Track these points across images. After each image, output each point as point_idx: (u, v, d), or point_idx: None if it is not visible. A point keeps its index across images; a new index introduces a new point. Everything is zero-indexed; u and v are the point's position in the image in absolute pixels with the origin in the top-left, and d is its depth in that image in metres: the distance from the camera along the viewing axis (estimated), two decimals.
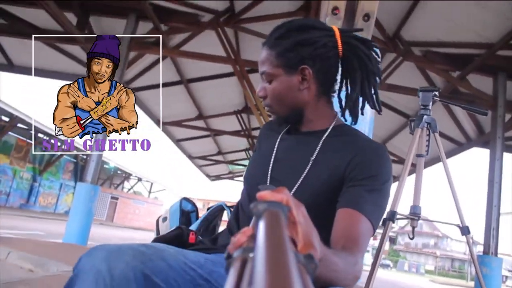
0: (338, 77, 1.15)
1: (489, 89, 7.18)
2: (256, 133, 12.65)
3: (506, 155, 7.22)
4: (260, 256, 0.31)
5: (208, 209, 1.60)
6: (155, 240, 1.29)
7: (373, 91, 1.14)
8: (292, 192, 1.04)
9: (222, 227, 1.42)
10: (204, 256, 1.00)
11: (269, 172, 1.10)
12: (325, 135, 1.11)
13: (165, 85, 9.59)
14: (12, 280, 3.02)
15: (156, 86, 9.55)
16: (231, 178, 21.33)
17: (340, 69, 1.14)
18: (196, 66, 8.85)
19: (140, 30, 7.50)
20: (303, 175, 1.05)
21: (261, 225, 0.40)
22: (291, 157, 1.11)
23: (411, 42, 7.02)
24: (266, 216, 0.42)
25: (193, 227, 1.51)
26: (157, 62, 8.59)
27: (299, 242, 0.51)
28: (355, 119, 1.17)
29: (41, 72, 9.28)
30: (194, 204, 1.65)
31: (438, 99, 2.30)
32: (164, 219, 1.57)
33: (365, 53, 1.11)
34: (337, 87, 1.16)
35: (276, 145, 1.16)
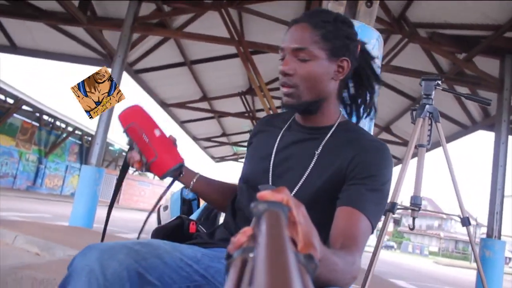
0: None
1: (496, 71, 7.10)
2: (260, 114, 12.64)
3: (511, 138, 7.18)
4: (260, 256, 0.31)
5: None
6: (156, 230, 1.29)
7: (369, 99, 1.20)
8: (295, 189, 1.03)
9: (223, 215, 1.42)
10: (201, 251, 1.00)
11: (271, 169, 1.09)
12: (330, 133, 1.09)
13: (168, 66, 9.56)
14: (18, 265, 3.06)
15: (160, 67, 9.53)
16: (236, 160, 21.39)
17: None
18: (199, 47, 8.79)
19: (143, 11, 7.44)
20: (306, 173, 1.04)
21: (261, 225, 0.40)
22: (293, 154, 1.09)
23: (417, 23, 6.92)
24: (266, 216, 0.42)
25: (194, 216, 1.52)
26: (160, 43, 8.55)
27: (299, 242, 0.51)
28: (358, 120, 1.23)
29: (45, 54, 9.26)
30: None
31: (441, 88, 2.26)
32: (165, 207, 1.57)
33: (372, 68, 1.18)
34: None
35: (278, 140, 1.14)
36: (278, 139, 1.14)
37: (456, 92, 2.58)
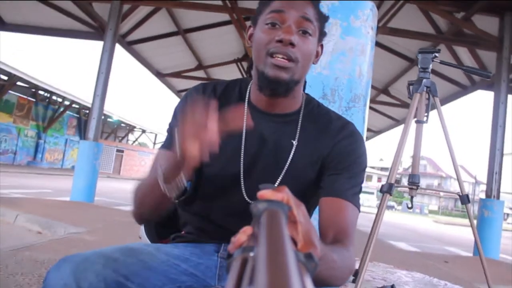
0: None
1: (495, 30, 6.98)
2: None
3: (510, 98, 7.13)
4: (260, 255, 0.31)
5: None
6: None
7: None
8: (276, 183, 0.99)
9: None
10: (189, 249, 0.98)
11: (242, 171, 0.99)
12: (300, 121, 1.02)
13: (162, 36, 9.42)
14: (19, 246, 3.08)
15: (153, 38, 9.40)
16: None
17: None
18: (192, 15, 8.64)
19: None
20: (284, 169, 0.99)
21: (262, 224, 0.40)
22: (267, 150, 1.00)
23: None
24: (267, 216, 0.42)
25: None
26: (152, 13, 8.38)
27: (300, 241, 0.51)
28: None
29: (34, 29, 9.08)
30: None
31: (439, 61, 2.16)
32: None
33: None
34: None
35: (244, 135, 1.01)
36: (244, 133, 1.01)
37: (454, 65, 2.41)
